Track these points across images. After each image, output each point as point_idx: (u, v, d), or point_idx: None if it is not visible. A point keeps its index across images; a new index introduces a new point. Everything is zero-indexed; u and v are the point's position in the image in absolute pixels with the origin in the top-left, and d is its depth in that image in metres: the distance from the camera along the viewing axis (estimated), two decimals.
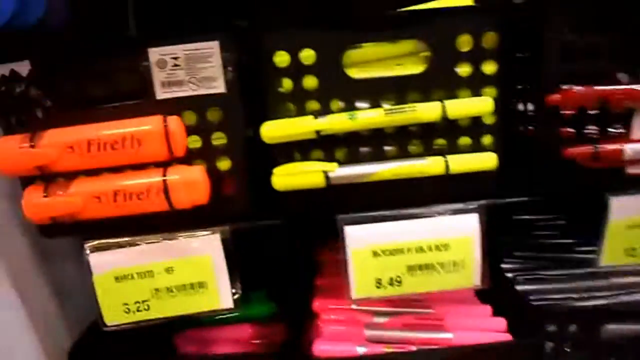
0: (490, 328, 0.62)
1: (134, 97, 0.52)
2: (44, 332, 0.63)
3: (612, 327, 0.62)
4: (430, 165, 0.53)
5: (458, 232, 0.56)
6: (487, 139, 0.55)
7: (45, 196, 0.53)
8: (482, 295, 0.68)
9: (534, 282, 0.71)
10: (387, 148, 0.55)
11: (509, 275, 0.71)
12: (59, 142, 0.51)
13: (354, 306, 0.66)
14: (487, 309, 0.64)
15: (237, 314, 0.78)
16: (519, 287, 0.68)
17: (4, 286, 0.58)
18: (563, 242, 0.81)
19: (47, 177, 0.53)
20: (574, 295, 0.68)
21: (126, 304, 0.57)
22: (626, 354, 0.63)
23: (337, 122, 0.51)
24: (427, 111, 0.51)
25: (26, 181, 0.54)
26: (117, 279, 0.56)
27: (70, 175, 0.53)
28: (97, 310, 0.57)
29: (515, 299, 0.65)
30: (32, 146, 0.51)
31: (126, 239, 0.56)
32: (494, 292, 0.65)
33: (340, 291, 0.68)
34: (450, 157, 0.53)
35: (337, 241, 0.82)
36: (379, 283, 0.57)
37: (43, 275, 0.66)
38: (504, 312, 0.63)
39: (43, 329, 0.63)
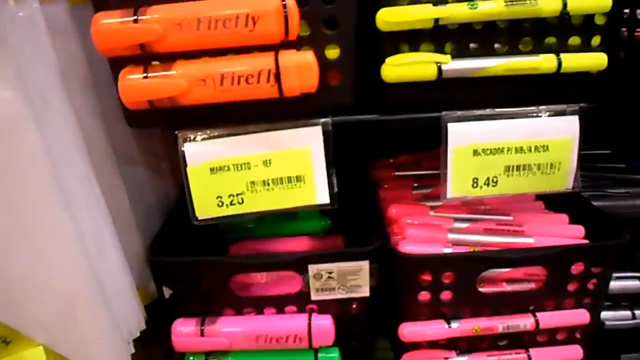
0: (568, 235, 0.63)
1: None
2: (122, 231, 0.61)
3: None
4: (543, 62, 0.52)
5: (558, 133, 0.56)
6: (596, 40, 0.54)
7: (145, 77, 0.50)
8: (553, 207, 0.69)
9: (599, 198, 0.73)
10: (497, 45, 0.54)
11: None
12: (166, 18, 0.48)
13: (432, 213, 0.66)
14: (564, 217, 0.65)
15: (291, 227, 0.80)
16: None
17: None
18: (614, 166, 0.83)
19: (145, 59, 0.50)
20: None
21: (220, 197, 0.56)
22: None
23: (457, 10, 0.50)
24: (548, 4, 0.50)
25: (119, 64, 0.51)
26: (212, 170, 0.55)
27: (171, 57, 0.50)
28: (188, 203, 0.56)
29: (589, 209, 0.66)
30: (135, 21, 0.48)
31: (222, 130, 0.55)
32: (564, 204, 0.67)
33: (408, 202, 0.69)
34: (563, 55, 0.53)
35: (389, 159, 0.85)
36: (475, 182, 0.57)
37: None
38: (579, 222, 0.65)
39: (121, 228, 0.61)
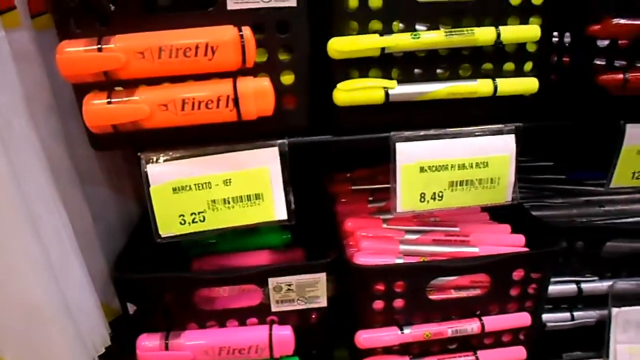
0: (510, 243, 0.68)
1: (203, 6, 0.53)
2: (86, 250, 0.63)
3: (612, 245, 0.70)
4: (481, 86, 0.57)
5: (497, 150, 0.61)
6: (528, 66, 0.59)
7: (109, 102, 0.52)
8: (497, 218, 0.74)
9: (539, 208, 0.78)
10: (439, 71, 0.58)
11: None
12: (128, 47, 0.50)
13: (384, 225, 0.70)
14: (507, 227, 0.70)
15: (252, 242, 0.83)
16: None
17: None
18: (554, 178, 0.89)
19: (109, 85, 0.53)
20: (577, 219, 0.76)
21: (182, 215, 0.58)
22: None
23: (401, 40, 0.54)
24: (483, 34, 0.55)
25: (82, 90, 0.53)
26: (174, 190, 0.57)
27: (134, 84, 0.53)
28: (151, 221, 0.58)
29: (530, 219, 0.71)
30: (99, 49, 0.50)
31: (184, 151, 0.57)
32: (507, 215, 0.72)
33: (363, 216, 0.73)
34: (498, 80, 0.58)
35: (345, 174, 0.89)
36: (422, 197, 0.61)
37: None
38: (520, 232, 0.70)
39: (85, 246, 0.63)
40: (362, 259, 0.63)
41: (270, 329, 0.63)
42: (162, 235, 0.59)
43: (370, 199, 0.79)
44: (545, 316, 0.72)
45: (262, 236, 0.83)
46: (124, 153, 0.77)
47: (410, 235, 0.68)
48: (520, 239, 0.68)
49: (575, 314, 0.73)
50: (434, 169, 0.60)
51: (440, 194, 0.61)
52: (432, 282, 0.64)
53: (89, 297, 0.62)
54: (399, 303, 0.64)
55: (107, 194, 0.73)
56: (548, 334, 0.73)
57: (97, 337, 0.64)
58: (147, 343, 0.63)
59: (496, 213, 0.74)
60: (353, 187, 0.83)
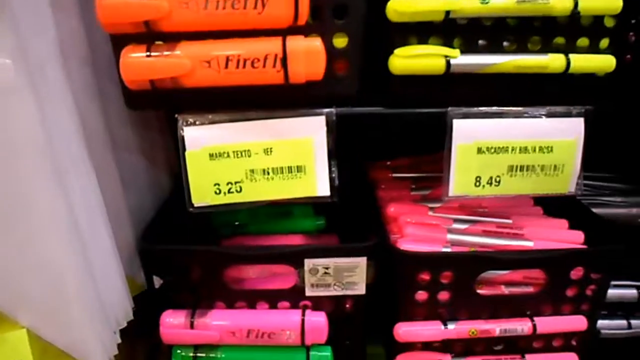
0: (568, 240, 0.62)
1: None
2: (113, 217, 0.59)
3: None
4: (552, 61, 0.52)
5: (563, 134, 0.55)
6: (605, 42, 0.54)
7: (148, 56, 0.49)
8: (552, 213, 0.68)
9: (596, 206, 0.72)
10: (505, 43, 0.53)
11: None
12: None
13: (430, 213, 0.65)
14: (564, 222, 0.65)
15: (285, 225, 0.79)
16: None
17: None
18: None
19: (149, 37, 0.49)
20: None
21: (217, 184, 0.54)
22: None
23: (468, 4, 0.49)
24: (559, 2, 0.50)
25: (121, 41, 0.50)
26: (211, 156, 0.53)
27: (175, 37, 0.49)
28: (185, 189, 0.54)
29: (588, 216, 0.65)
30: None
31: (223, 115, 0.53)
32: (563, 210, 0.66)
33: (407, 202, 0.68)
34: (572, 56, 0.52)
35: (385, 162, 0.84)
36: (478, 181, 0.56)
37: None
38: (578, 228, 0.64)
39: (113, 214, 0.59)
40: (407, 245, 0.58)
41: (303, 314, 0.59)
42: (195, 205, 0.55)
43: (413, 186, 0.73)
44: (600, 322, 0.66)
45: (295, 220, 0.79)
46: (159, 123, 0.74)
47: (458, 224, 0.63)
48: (579, 235, 0.62)
49: (633, 322, 0.67)
50: (492, 150, 0.55)
51: (498, 179, 0.56)
52: (482, 276, 0.58)
53: (114, 267, 0.59)
54: (444, 295, 0.58)
55: (139, 162, 0.70)
56: (601, 342, 0.66)
57: (120, 310, 0.60)
58: (172, 320, 0.59)
59: (550, 208, 0.68)
60: (394, 175, 0.78)
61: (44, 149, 0.46)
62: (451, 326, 0.58)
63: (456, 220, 0.63)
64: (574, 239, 0.62)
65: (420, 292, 0.58)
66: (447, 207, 0.66)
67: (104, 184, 0.58)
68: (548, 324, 0.59)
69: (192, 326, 0.59)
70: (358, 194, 0.74)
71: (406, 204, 0.67)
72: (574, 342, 0.63)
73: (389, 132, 0.82)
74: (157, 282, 0.61)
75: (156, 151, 0.74)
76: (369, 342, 0.68)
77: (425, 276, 0.57)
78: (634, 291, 0.66)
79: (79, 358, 0.54)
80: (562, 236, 0.62)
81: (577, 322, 0.60)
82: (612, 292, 0.65)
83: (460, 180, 0.56)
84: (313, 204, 0.80)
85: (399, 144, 0.84)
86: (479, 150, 0.55)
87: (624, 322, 0.67)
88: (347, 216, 0.71)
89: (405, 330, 0.58)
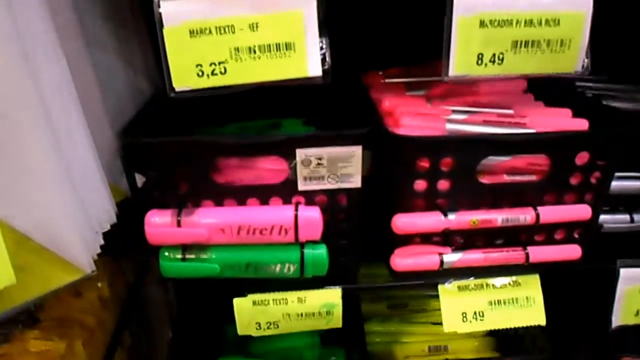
0: (572, 127, 0.59)
1: None
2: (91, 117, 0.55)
3: None
4: None
5: (571, 5, 0.51)
6: None
7: None
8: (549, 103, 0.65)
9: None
10: None
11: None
12: None
13: (428, 104, 0.62)
14: (567, 111, 0.61)
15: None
16: None
17: None
18: None
19: None
20: None
21: (200, 65, 0.50)
22: None
23: None
24: None
25: None
26: (191, 32, 0.49)
27: None
28: (164, 73, 0.50)
29: (593, 104, 0.62)
30: None
31: None
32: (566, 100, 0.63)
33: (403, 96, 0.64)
34: None
35: (377, 72, 0.79)
36: (480, 59, 0.52)
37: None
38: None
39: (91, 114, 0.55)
40: (404, 131, 0.55)
41: (296, 209, 0.56)
42: (177, 89, 0.51)
43: (408, 89, 0.70)
44: (602, 217, 0.64)
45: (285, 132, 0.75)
46: (135, 22, 0.69)
47: (458, 115, 0.60)
48: (584, 123, 0.59)
49: (636, 216, 0.65)
50: (495, 23, 0.51)
51: (501, 56, 0.52)
52: (484, 164, 0.55)
53: (93, 166, 0.55)
54: (444, 185, 0.56)
55: (117, 64, 0.65)
56: (603, 236, 0.65)
57: (102, 211, 0.57)
58: (157, 219, 0.56)
59: (551, 102, 0.65)
60: (387, 80, 0.74)
61: (11, 35, 0.41)
62: (451, 216, 0.56)
63: (455, 111, 0.60)
64: (578, 127, 0.59)
65: (419, 181, 0.55)
66: (445, 99, 0.62)
67: (79, 79, 0.53)
68: (551, 213, 0.57)
69: (179, 224, 0.55)
70: (351, 100, 0.70)
71: (402, 97, 0.63)
72: (576, 235, 0.61)
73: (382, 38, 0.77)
74: (140, 181, 0.57)
75: (135, 56, 0.70)
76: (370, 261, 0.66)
77: (424, 163, 0.54)
78: (638, 183, 0.64)
79: (60, 253, 0.50)
80: (566, 124, 0.59)
81: (581, 211, 0.58)
82: (615, 185, 0.62)
83: (461, 57, 0.52)
84: (303, 120, 0.77)
85: (392, 54, 0.79)
86: (482, 24, 0.51)
87: (626, 217, 0.65)
88: (339, 124, 0.67)
89: (403, 222, 0.55)
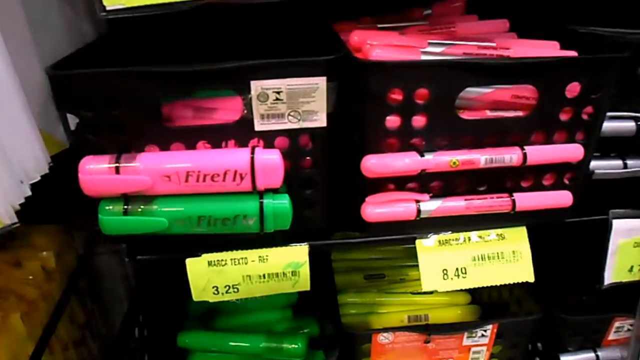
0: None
1: None
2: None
3: None
4: None
5: None
6: None
7: None
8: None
9: None
10: None
11: None
12: None
13: (401, 36, 0.55)
14: (555, 44, 0.55)
15: None
16: None
17: None
18: None
19: None
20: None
21: None
22: None
23: None
24: None
25: None
26: None
27: None
28: None
29: (582, 37, 0.56)
30: None
31: None
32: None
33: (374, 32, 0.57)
34: None
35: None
36: None
37: None
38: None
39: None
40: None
41: (253, 152, 0.49)
42: (108, 8, 0.43)
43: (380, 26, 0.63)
44: (593, 163, 0.58)
45: None
46: None
47: (434, 47, 0.53)
48: (573, 54, 0.53)
49: (629, 162, 0.60)
50: None
51: None
52: (464, 96, 0.49)
53: (17, 107, 0.48)
54: (420, 121, 0.49)
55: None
56: (594, 185, 0.59)
57: (29, 159, 0.49)
58: (93, 166, 0.48)
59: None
60: (359, 26, 0.68)
61: None
62: (429, 157, 0.49)
63: (432, 44, 0.53)
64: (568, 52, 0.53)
65: (391, 116, 0.49)
66: (420, 32, 0.55)
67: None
68: (540, 153, 0.51)
69: (117, 171, 0.48)
70: (318, 40, 0.63)
71: (372, 31, 0.56)
72: (566, 181, 0.55)
73: None
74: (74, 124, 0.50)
75: None
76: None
77: (397, 95, 0.48)
78: (631, 124, 0.58)
79: None
80: (553, 55, 0.53)
81: (572, 152, 0.52)
82: (607, 126, 0.56)
83: None
84: None
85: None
86: None
87: (619, 162, 0.60)
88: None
89: (374, 163, 0.49)
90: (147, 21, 0.44)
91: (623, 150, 0.61)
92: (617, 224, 0.60)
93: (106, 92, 0.47)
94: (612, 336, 0.70)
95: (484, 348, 0.68)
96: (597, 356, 0.70)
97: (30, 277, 0.66)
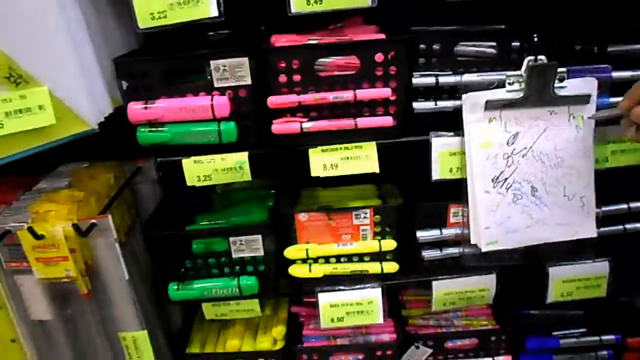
0: (373, 37, 0.97)
1: None
2: None
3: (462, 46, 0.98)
4: None
5: None
6: None
7: None
8: None
9: None
10: None
11: None
12: None
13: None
14: (375, 28, 1.00)
15: None
16: None
17: None
18: None
19: None
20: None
21: (152, 13, 0.91)
22: None
23: None
24: None
25: None
26: None
27: None
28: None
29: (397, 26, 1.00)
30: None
31: None
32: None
33: (288, 36, 1.03)
34: None
35: None
36: None
37: None
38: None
39: None
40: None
41: (212, 98, 0.96)
42: (141, 27, 0.92)
43: None
44: (414, 104, 1.00)
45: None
46: None
47: (312, 41, 0.99)
48: (382, 35, 0.97)
49: (440, 102, 1.01)
50: None
51: None
52: (320, 62, 0.94)
53: (95, 68, 0.95)
54: (297, 78, 0.95)
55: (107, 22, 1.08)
56: (416, 117, 1.01)
57: (105, 103, 0.98)
58: (134, 106, 0.97)
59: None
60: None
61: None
62: (303, 97, 0.95)
63: (310, 39, 0.99)
64: (377, 37, 0.97)
65: (281, 75, 0.94)
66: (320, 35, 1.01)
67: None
68: (364, 93, 0.95)
69: (145, 108, 0.96)
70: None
71: (285, 35, 1.03)
72: (391, 111, 0.98)
73: None
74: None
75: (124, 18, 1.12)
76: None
77: (282, 64, 0.93)
78: (433, 79, 1.00)
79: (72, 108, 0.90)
80: (371, 36, 0.97)
81: (384, 92, 0.95)
82: (418, 81, 0.99)
83: None
84: None
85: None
86: None
87: (432, 104, 1.01)
88: None
89: (273, 100, 0.95)
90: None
91: (437, 96, 1.02)
92: (436, 141, 1.02)
93: (139, 70, 0.96)
94: (452, 220, 1.10)
95: (368, 227, 1.10)
96: (441, 232, 1.10)
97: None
